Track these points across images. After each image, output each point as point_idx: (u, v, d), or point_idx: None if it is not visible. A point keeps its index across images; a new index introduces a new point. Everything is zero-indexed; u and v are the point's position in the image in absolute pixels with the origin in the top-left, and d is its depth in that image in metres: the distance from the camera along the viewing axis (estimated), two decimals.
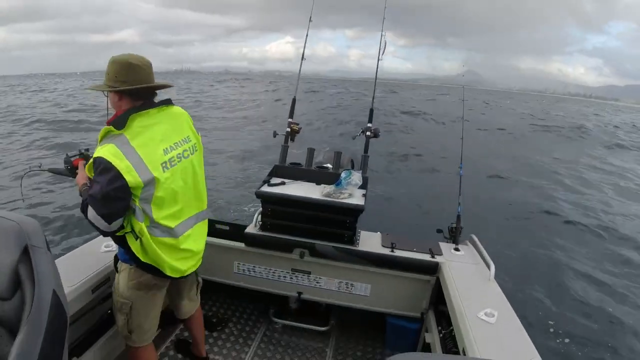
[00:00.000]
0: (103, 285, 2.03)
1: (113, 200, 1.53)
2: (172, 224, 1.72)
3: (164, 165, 1.64)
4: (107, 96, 1.69)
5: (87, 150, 1.95)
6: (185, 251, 1.82)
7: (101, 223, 1.55)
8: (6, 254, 1.00)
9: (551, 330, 4.40)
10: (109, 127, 1.56)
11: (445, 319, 2.25)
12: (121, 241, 1.73)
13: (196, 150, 1.88)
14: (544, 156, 13.82)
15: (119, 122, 1.57)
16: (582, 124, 25.02)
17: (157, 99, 1.77)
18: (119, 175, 1.49)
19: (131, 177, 1.51)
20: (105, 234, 1.64)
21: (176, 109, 1.84)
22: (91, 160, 1.58)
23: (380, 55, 3.11)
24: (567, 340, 4.28)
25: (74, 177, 1.85)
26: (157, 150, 1.63)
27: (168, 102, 1.79)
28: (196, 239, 1.90)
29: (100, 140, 1.59)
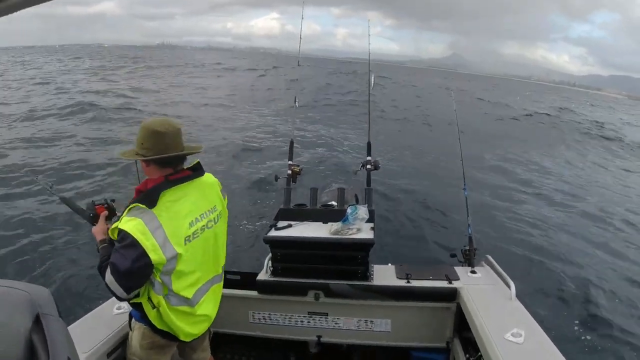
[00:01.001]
0: (118, 349, 2.00)
1: (136, 276, 1.57)
2: (189, 294, 1.74)
3: (187, 239, 1.66)
4: (136, 162, 1.76)
5: (113, 201, 1.95)
6: (200, 316, 1.84)
7: (119, 291, 1.58)
8: (19, 325, 0.99)
9: (583, 342, 4.23)
10: (140, 204, 1.57)
11: (471, 345, 2.18)
12: (137, 307, 1.76)
13: (220, 218, 1.90)
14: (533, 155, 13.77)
15: (150, 200, 1.59)
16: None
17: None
18: (144, 254, 1.52)
19: (156, 255, 1.54)
20: (120, 299, 1.67)
21: (206, 178, 1.87)
22: (115, 225, 1.60)
23: (370, 90, 3.21)
24: (601, 352, 4.11)
25: (92, 224, 1.86)
26: (183, 225, 1.66)
27: (199, 174, 1.82)
28: (210, 303, 1.91)
29: (129, 210, 1.60)
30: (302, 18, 3.54)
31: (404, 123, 17.80)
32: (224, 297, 2.58)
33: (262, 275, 2.55)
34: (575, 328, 4.46)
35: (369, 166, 2.93)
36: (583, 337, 4.31)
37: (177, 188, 1.69)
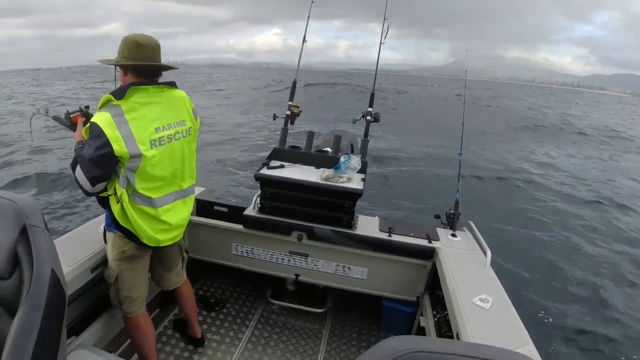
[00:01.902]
0: (102, 265, 2.05)
1: (99, 165, 1.65)
2: (152, 195, 1.81)
3: (152, 142, 1.73)
4: (115, 70, 1.82)
5: (87, 107, 2.03)
6: (163, 223, 1.89)
7: (85, 184, 1.68)
8: (4, 233, 1.00)
9: (544, 316, 4.46)
10: (109, 96, 1.67)
11: (440, 304, 2.27)
12: (104, 203, 1.84)
13: (190, 134, 1.95)
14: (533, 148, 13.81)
15: (119, 93, 1.67)
16: None
17: (163, 80, 1.87)
18: (107, 143, 1.60)
19: (118, 146, 1.61)
20: (87, 194, 1.74)
21: (177, 92, 1.92)
22: (88, 124, 1.68)
23: (382, 39, 3.07)
24: (559, 326, 4.35)
25: (72, 130, 1.97)
26: (149, 127, 1.72)
27: (170, 84, 1.88)
28: (175, 214, 1.96)
29: (100, 107, 1.69)
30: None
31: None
32: (209, 227, 2.64)
33: (249, 211, 2.59)
34: (543, 303, 4.67)
35: (369, 117, 2.88)
36: (548, 312, 4.53)
37: (146, 92, 1.75)
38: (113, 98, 1.66)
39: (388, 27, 3.05)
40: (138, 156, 1.67)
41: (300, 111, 3.00)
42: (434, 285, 2.45)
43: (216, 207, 2.64)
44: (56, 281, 1.04)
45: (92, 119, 1.64)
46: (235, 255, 2.76)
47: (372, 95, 3.00)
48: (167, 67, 1.85)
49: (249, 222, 2.57)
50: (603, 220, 7.63)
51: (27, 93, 28.65)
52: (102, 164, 1.64)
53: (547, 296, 4.88)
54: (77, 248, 2.01)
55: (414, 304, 2.61)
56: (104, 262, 2.03)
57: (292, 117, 2.98)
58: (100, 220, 2.27)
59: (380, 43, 3.13)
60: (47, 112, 2.15)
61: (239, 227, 2.61)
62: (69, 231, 2.23)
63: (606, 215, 7.94)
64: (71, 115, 1.99)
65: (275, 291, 2.94)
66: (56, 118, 2.08)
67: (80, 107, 2.02)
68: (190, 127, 1.95)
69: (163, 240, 1.93)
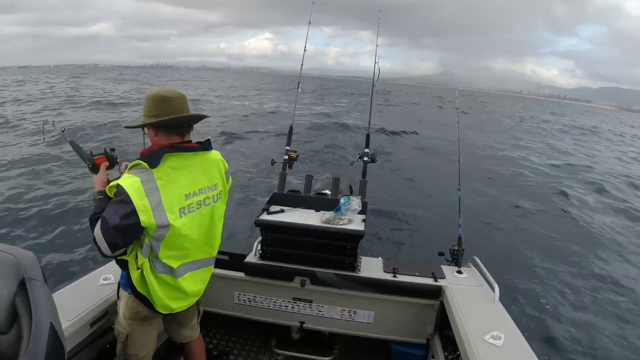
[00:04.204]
0: (102, 319, 2.00)
1: (123, 234, 1.55)
2: (174, 264, 1.71)
3: (181, 210, 1.64)
4: (145, 133, 1.73)
5: (113, 150, 1.90)
6: (181, 291, 1.80)
7: (104, 247, 1.56)
8: (3, 287, 0.99)
9: (561, 350, 4.31)
10: (140, 161, 1.57)
11: (451, 344, 2.20)
12: (123, 265, 1.74)
13: (220, 198, 1.87)
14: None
15: (153, 160, 1.58)
16: None
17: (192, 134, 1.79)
18: (134, 212, 1.51)
19: (146, 217, 1.52)
20: (105, 256, 1.64)
21: (211, 154, 1.84)
22: (114, 183, 1.58)
23: (374, 82, 3.18)
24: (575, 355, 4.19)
25: (93, 173, 1.83)
26: (179, 195, 1.64)
27: (206, 147, 1.80)
28: (196, 283, 1.87)
29: (129, 169, 1.60)
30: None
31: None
32: (211, 276, 2.60)
33: (251, 258, 2.56)
34: (556, 335, 4.52)
35: (366, 158, 2.93)
36: (564, 346, 4.38)
37: (180, 156, 1.66)
38: (144, 164, 1.56)
39: (379, 70, 3.17)
40: (165, 226, 1.59)
41: (298, 155, 3.05)
42: (444, 325, 2.39)
43: (217, 255, 2.61)
44: (55, 337, 1.02)
45: (120, 182, 1.54)
46: (237, 304, 2.70)
47: (368, 136, 3.06)
48: (198, 115, 1.74)
49: (251, 269, 2.53)
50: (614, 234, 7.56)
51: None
52: (126, 234, 1.55)
53: (562, 327, 4.73)
54: (75, 301, 1.97)
55: (423, 347, 2.53)
56: (103, 315, 1.99)
57: (290, 162, 3.01)
58: (99, 273, 2.25)
59: (373, 86, 3.24)
60: (63, 131, 2.01)
61: (241, 274, 2.57)
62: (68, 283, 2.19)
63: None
64: (95, 157, 1.84)
65: (279, 340, 2.85)
66: (76, 147, 1.92)
67: (105, 149, 1.88)
68: (221, 191, 1.87)
69: (177, 308, 1.83)
